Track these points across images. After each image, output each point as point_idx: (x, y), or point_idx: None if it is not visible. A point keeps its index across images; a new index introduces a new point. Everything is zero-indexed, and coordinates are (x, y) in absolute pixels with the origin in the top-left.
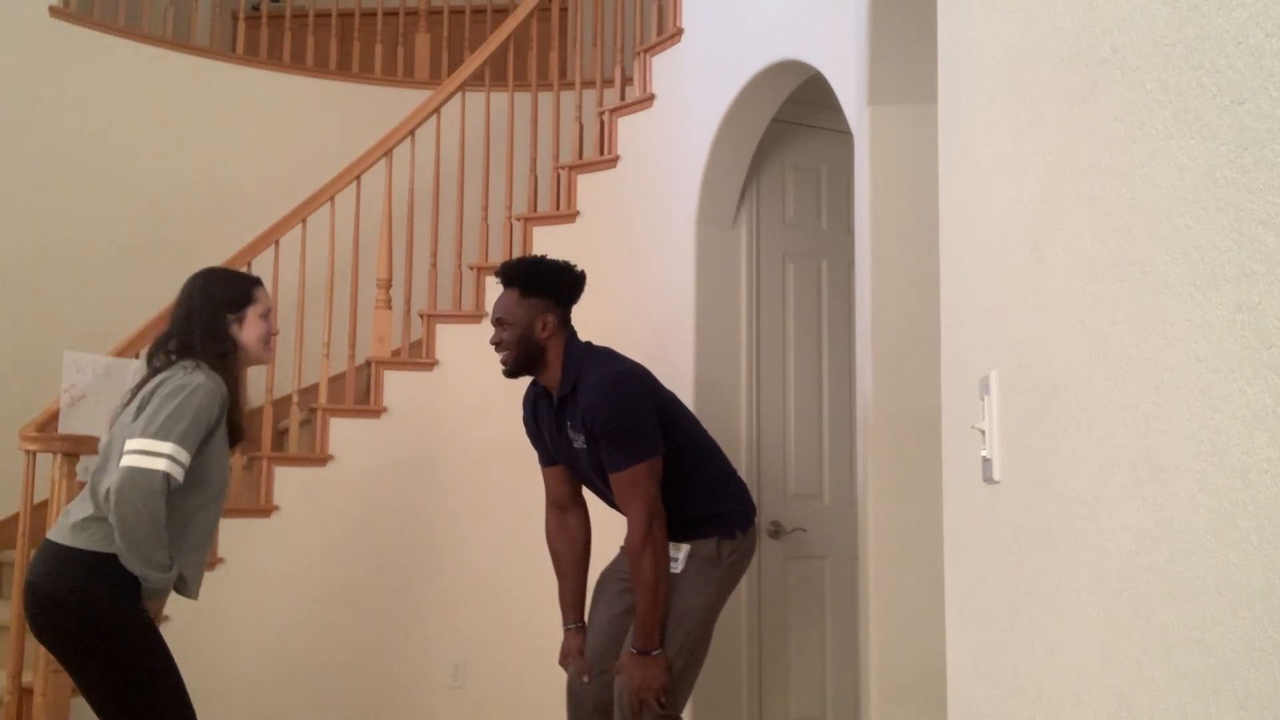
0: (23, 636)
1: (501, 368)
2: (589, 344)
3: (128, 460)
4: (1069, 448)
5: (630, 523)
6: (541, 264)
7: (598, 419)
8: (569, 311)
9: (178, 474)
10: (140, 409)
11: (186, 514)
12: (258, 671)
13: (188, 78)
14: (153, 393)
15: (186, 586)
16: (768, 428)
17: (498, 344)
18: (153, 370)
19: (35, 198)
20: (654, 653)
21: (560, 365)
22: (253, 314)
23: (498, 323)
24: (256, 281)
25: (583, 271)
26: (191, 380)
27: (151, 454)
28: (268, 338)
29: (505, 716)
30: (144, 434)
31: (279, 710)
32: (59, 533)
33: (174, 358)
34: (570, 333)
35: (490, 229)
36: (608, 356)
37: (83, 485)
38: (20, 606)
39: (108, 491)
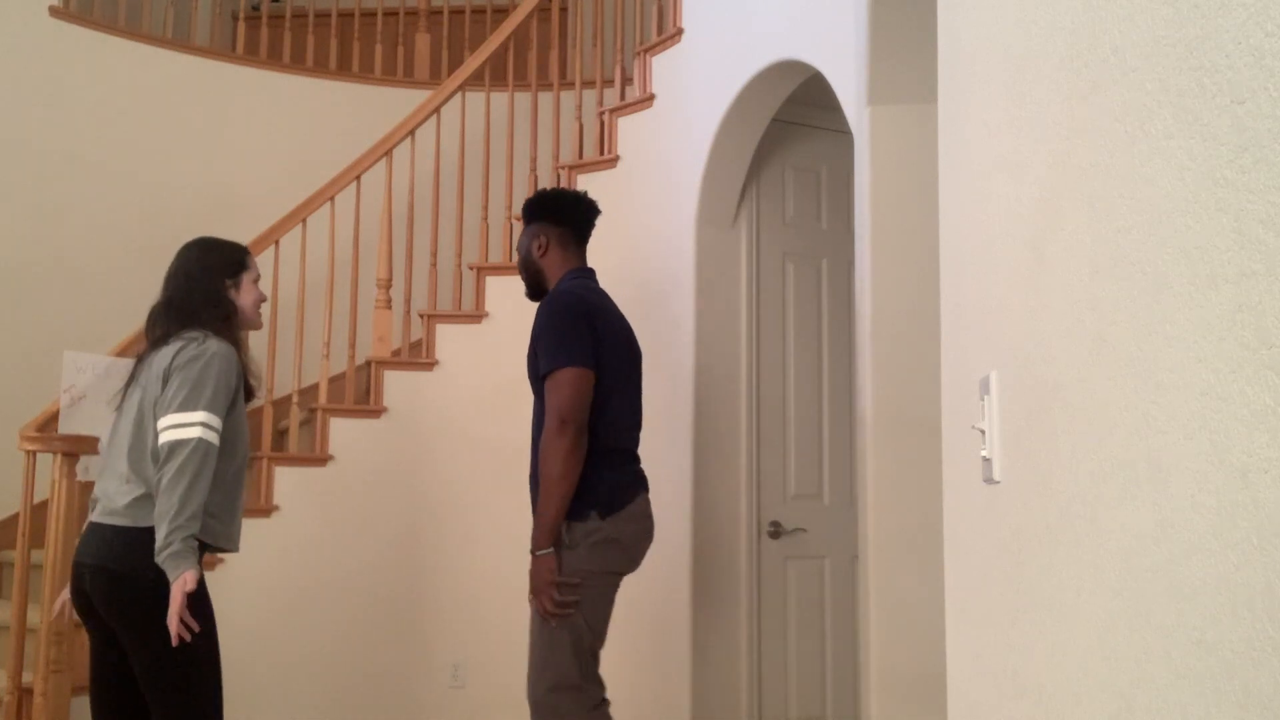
0: (23, 636)
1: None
2: (586, 278)
3: (164, 437)
4: (1069, 448)
5: (545, 425)
6: (541, 192)
7: (537, 323)
8: (569, 233)
9: (212, 439)
10: (164, 383)
11: (226, 482)
12: (257, 671)
13: (188, 78)
14: (170, 369)
15: (232, 543)
16: (768, 428)
17: None
18: (152, 342)
19: (35, 197)
20: (540, 553)
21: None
22: (247, 280)
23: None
24: (247, 249)
25: (580, 196)
26: (206, 349)
27: (184, 425)
28: (260, 303)
29: (505, 716)
30: (171, 410)
31: (278, 710)
32: (114, 516)
33: (174, 327)
34: (579, 263)
35: (490, 229)
36: (579, 285)
37: (83, 485)
38: (21, 603)
39: (159, 474)
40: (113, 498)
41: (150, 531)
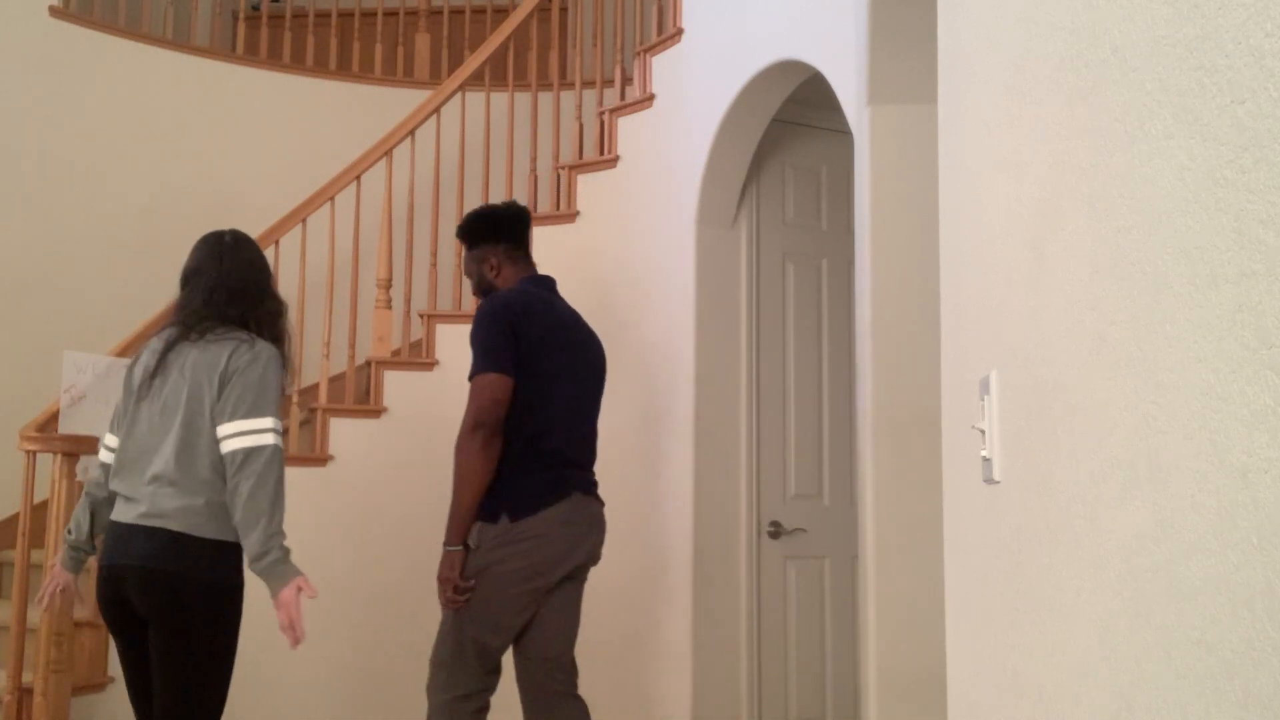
0: (23, 636)
1: None
2: (532, 285)
3: (235, 444)
4: (1069, 448)
5: (461, 427)
6: (474, 214)
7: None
8: (515, 245)
9: (280, 443)
10: (222, 387)
11: None
12: (256, 670)
13: (188, 78)
14: (228, 372)
15: None
16: (768, 428)
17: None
18: (182, 328)
19: (35, 197)
20: (449, 548)
21: None
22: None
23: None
24: None
25: (510, 206)
26: (260, 352)
27: (255, 432)
28: None
29: (504, 716)
30: (237, 416)
31: (279, 710)
32: (164, 520)
33: (214, 322)
34: (528, 271)
35: None
36: (516, 290)
37: (82, 485)
38: (21, 603)
39: (235, 480)
40: (157, 501)
41: (205, 541)
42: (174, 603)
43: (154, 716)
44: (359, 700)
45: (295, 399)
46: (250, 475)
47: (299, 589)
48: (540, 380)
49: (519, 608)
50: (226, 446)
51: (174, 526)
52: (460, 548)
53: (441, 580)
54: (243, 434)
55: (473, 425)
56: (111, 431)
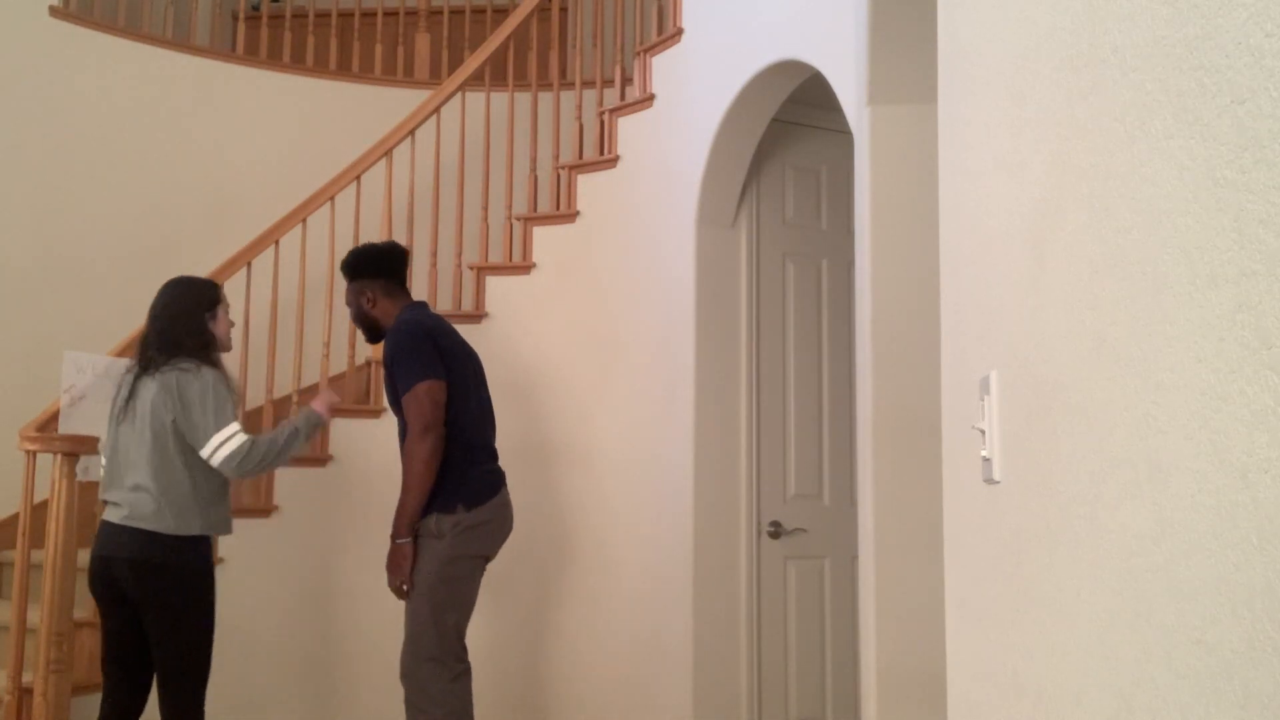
0: (23, 636)
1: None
2: (416, 307)
3: (223, 451)
4: (1069, 448)
5: (408, 432)
6: (356, 251)
7: (387, 353)
8: (390, 281)
9: (245, 437)
10: (186, 410)
11: (220, 476)
12: (256, 670)
13: (188, 78)
14: (186, 400)
15: (226, 527)
16: (768, 428)
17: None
18: (143, 364)
19: (35, 198)
20: (399, 541)
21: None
22: (221, 311)
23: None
24: (220, 285)
25: (390, 245)
26: (205, 376)
27: (230, 438)
28: (230, 329)
29: (504, 714)
30: (212, 432)
31: (278, 709)
32: (143, 521)
33: (164, 357)
34: (406, 300)
35: (490, 229)
36: (415, 313)
37: (83, 485)
38: (21, 603)
39: (242, 471)
40: (136, 507)
41: (174, 537)
42: (155, 585)
43: (158, 681)
44: (357, 697)
45: (295, 399)
46: (252, 464)
47: (329, 408)
48: (460, 387)
49: (478, 586)
50: (216, 459)
51: (148, 526)
52: (410, 540)
53: (395, 571)
54: (223, 443)
55: (422, 429)
56: (100, 450)
